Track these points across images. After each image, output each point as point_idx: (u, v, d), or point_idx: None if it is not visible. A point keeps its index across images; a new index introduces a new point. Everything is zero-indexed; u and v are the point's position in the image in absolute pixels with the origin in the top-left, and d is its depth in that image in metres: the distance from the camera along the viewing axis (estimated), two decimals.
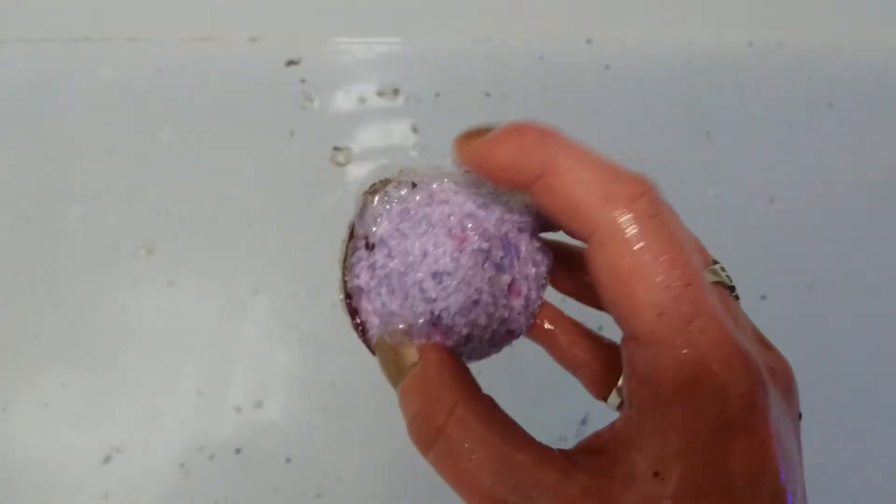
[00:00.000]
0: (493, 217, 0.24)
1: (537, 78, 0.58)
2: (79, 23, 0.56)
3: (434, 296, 0.23)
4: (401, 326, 0.24)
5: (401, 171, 0.26)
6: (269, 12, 0.58)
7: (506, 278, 0.25)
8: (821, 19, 0.62)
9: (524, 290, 0.25)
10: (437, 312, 0.23)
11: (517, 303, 0.25)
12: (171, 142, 0.54)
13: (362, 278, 0.25)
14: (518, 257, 0.25)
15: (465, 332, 0.24)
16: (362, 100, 0.56)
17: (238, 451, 0.48)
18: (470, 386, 0.22)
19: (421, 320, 0.24)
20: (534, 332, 0.29)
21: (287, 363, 0.50)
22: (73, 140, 0.54)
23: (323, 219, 0.53)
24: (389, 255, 0.24)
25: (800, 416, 0.22)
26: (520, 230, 0.25)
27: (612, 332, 0.29)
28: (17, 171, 0.53)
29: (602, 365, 0.28)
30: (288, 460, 0.48)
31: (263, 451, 0.48)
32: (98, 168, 0.53)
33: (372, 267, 0.24)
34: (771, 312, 0.53)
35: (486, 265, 0.24)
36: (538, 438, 0.22)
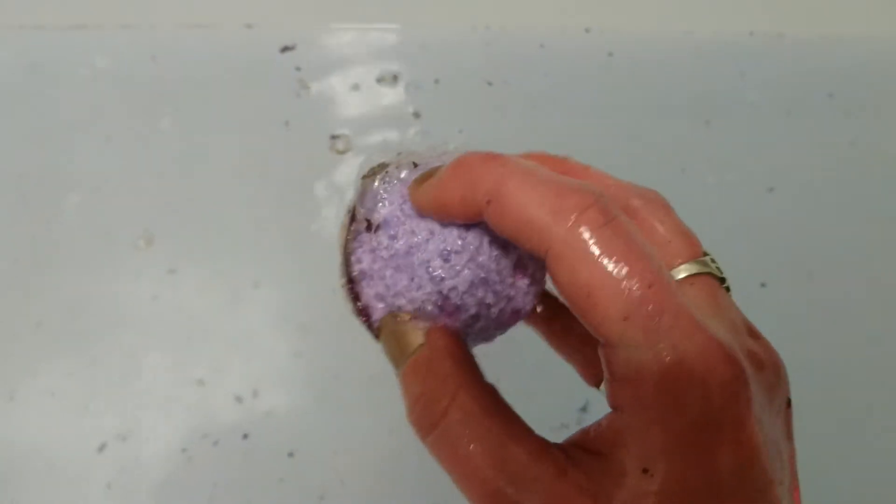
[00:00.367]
0: None
1: (538, 65, 0.58)
2: (71, 9, 0.56)
3: (442, 275, 0.23)
4: (405, 309, 0.24)
5: (399, 154, 0.26)
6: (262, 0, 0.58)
7: (511, 257, 0.25)
8: (822, 9, 0.62)
9: (529, 269, 0.26)
10: (445, 292, 0.23)
11: (522, 282, 0.25)
12: (169, 130, 0.54)
13: (364, 262, 0.24)
14: None
15: (473, 311, 0.24)
16: (361, 86, 0.56)
17: (245, 436, 0.48)
18: (474, 372, 0.23)
19: (427, 301, 0.24)
20: (530, 317, 0.29)
21: (287, 353, 0.50)
22: (69, 128, 0.54)
23: (323, 206, 0.53)
24: (394, 237, 0.24)
25: (789, 404, 0.22)
26: None
27: None
28: (13, 158, 0.53)
29: (595, 351, 0.28)
30: (291, 454, 0.48)
31: (264, 439, 0.48)
32: (95, 157, 0.53)
33: (375, 250, 0.24)
34: (770, 300, 0.53)
35: (493, 243, 0.24)
36: (538, 426, 0.22)
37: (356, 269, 0.25)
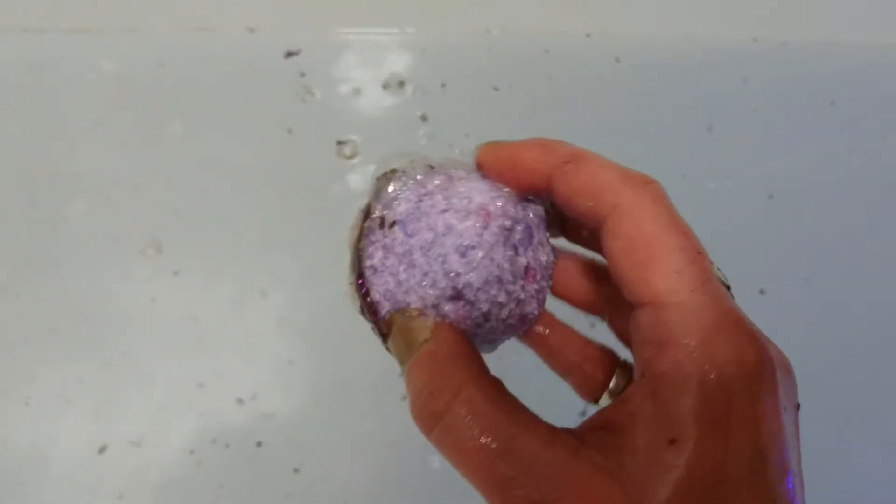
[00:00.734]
0: (512, 201, 0.25)
1: (543, 70, 0.58)
2: (74, 13, 0.56)
3: (458, 270, 0.23)
4: (415, 305, 0.24)
5: (410, 161, 0.26)
6: (267, 2, 0.58)
7: (522, 261, 0.25)
8: (826, 16, 0.62)
9: (537, 276, 0.26)
10: (459, 287, 0.23)
11: (531, 287, 0.26)
12: (177, 136, 0.55)
13: (376, 258, 0.25)
14: (533, 244, 0.26)
15: (484, 308, 0.24)
16: (367, 91, 0.56)
17: (259, 444, 0.48)
18: (479, 366, 0.23)
19: (441, 297, 0.24)
20: (526, 336, 0.29)
21: (290, 358, 0.50)
22: (76, 133, 0.54)
23: (331, 211, 0.53)
24: (409, 233, 0.24)
25: (798, 407, 0.23)
26: (535, 218, 0.26)
27: (604, 336, 0.29)
28: (21, 161, 0.53)
29: (594, 367, 0.28)
30: (296, 470, 0.48)
31: (270, 444, 0.49)
32: (103, 162, 0.54)
33: (388, 246, 0.24)
34: (769, 307, 0.53)
35: (507, 244, 0.24)
36: None
37: (367, 265, 0.25)
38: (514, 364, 0.30)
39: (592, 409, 0.43)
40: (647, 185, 0.22)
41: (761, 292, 0.54)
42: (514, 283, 0.25)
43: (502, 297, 0.24)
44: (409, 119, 0.56)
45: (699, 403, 0.19)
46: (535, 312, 0.27)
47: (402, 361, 0.24)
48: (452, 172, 0.26)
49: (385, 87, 0.56)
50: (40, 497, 0.46)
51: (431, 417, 0.21)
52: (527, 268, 0.25)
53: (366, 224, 0.25)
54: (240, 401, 0.49)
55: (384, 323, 0.25)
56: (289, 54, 0.56)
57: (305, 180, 0.54)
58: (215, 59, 0.56)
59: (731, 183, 0.57)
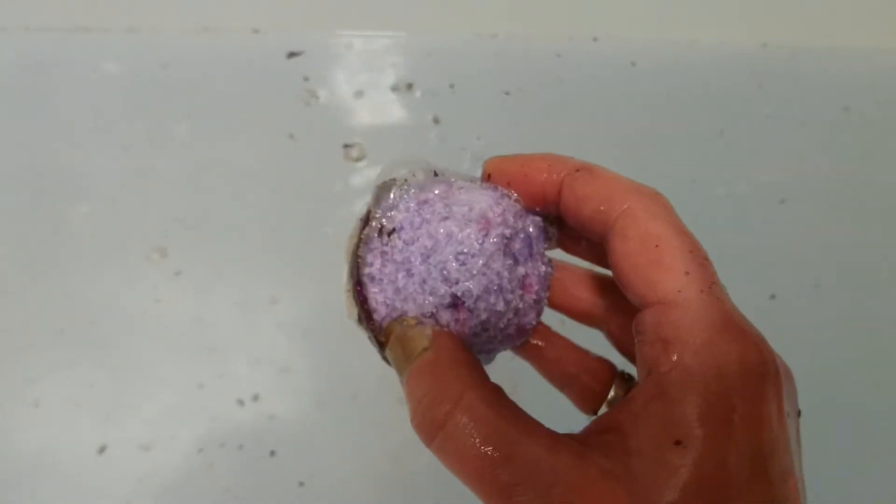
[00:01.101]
0: (511, 211, 0.25)
1: (553, 74, 0.58)
2: (77, 12, 0.56)
3: (458, 277, 0.23)
4: (412, 314, 0.24)
5: (411, 168, 0.26)
6: (271, 4, 0.58)
7: (521, 270, 0.25)
8: (840, 22, 0.62)
9: (535, 286, 0.26)
10: (459, 294, 0.23)
11: (529, 297, 0.26)
12: (181, 138, 0.55)
13: (375, 266, 0.25)
14: (531, 254, 0.26)
15: (483, 316, 0.24)
16: (373, 94, 0.56)
17: (272, 453, 0.48)
18: (479, 373, 0.22)
19: (439, 305, 0.24)
20: (522, 348, 0.29)
21: (295, 362, 0.50)
22: (77, 134, 0.54)
23: (338, 214, 0.53)
24: (408, 241, 0.24)
25: (799, 414, 0.22)
26: (534, 229, 0.26)
27: (599, 346, 0.29)
28: (22, 161, 0.54)
29: (592, 378, 0.28)
30: (301, 484, 0.49)
31: (265, 443, 0.49)
32: (106, 164, 0.54)
33: (387, 254, 0.24)
34: (780, 312, 0.53)
35: (507, 253, 0.24)
36: None
37: (365, 272, 0.25)
38: (521, 369, 0.30)
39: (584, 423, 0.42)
40: (656, 194, 0.23)
41: (772, 297, 0.53)
42: (512, 292, 0.25)
43: (501, 306, 0.24)
44: (420, 122, 0.56)
45: (704, 403, 0.19)
46: (533, 322, 0.27)
47: (400, 370, 0.23)
48: (453, 181, 0.26)
49: (394, 90, 0.56)
50: (48, 500, 0.47)
51: (433, 427, 0.21)
52: (525, 277, 0.25)
53: (365, 232, 0.25)
54: (241, 402, 0.49)
55: (382, 332, 0.25)
56: (291, 55, 0.56)
57: (312, 183, 0.54)
58: (219, 61, 0.56)
59: (742, 188, 0.56)
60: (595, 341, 0.29)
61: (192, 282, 0.51)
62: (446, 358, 0.22)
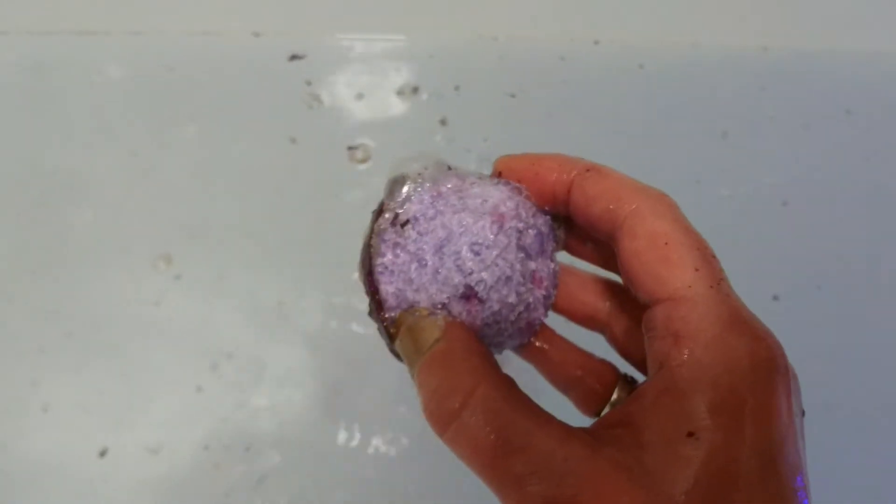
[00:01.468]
0: (524, 207, 0.25)
1: (558, 77, 0.58)
2: (78, 15, 0.56)
3: (472, 268, 0.24)
4: (424, 304, 0.24)
5: (424, 163, 0.26)
6: (273, 8, 0.58)
7: (532, 265, 0.25)
8: (844, 25, 0.62)
9: (545, 282, 0.26)
10: (472, 284, 0.24)
11: (539, 293, 0.26)
12: (186, 141, 0.55)
13: (388, 256, 0.25)
14: (542, 250, 0.26)
15: (495, 307, 0.24)
16: (378, 97, 0.56)
17: (247, 448, 0.49)
18: (492, 365, 0.23)
19: (452, 295, 0.24)
20: (526, 350, 0.29)
21: (298, 362, 0.50)
22: (81, 137, 0.55)
23: (343, 216, 0.53)
24: (422, 232, 0.24)
25: (803, 413, 0.23)
26: (544, 226, 0.26)
27: (599, 351, 0.29)
28: (24, 164, 0.54)
29: (595, 381, 0.28)
30: (308, 486, 0.49)
31: (265, 444, 0.49)
32: (110, 167, 0.54)
33: (400, 245, 0.24)
34: (782, 313, 0.53)
35: (519, 247, 0.24)
36: None
37: (378, 263, 0.25)
38: (519, 371, 0.30)
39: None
40: (663, 195, 0.24)
41: (774, 298, 0.53)
42: (523, 285, 0.25)
43: (513, 298, 0.25)
44: (426, 124, 0.56)
45: (716, 396, 0.19)
46: (542, 319, 0.27)
47: (411, 361, 0.23)
48: (466, 176, 0.26)
49: (399, 93, 0.57)
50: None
51: (446, 417, 0.21)
52: (535, 272, 0.26)
53: (378, 223, 0.25)
54: (246, 406, 0.49)
55: (393, 323, 0.25)
56: (293, 57, 0.56)
57: (316, 186, 0.55)
58: (221, 65, 0.57)
59: (745, 189, 0.57)
60: (595, 345, 0.30)
61: (196, 286, 0.52)
62: (460, 348, 0.23)
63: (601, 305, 0.29)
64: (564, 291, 0.29)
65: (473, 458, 0.21)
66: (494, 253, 0.24)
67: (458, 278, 0.24)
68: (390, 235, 0.25)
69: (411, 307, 0.24)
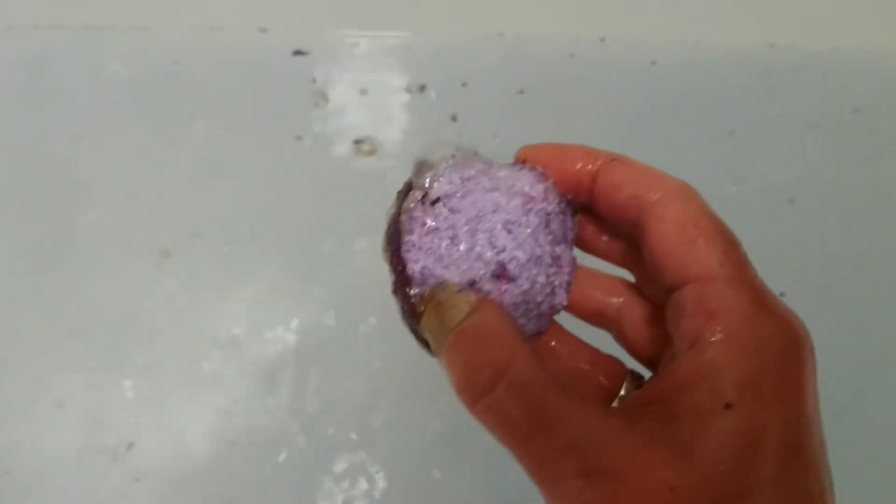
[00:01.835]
0: (551, 191, 0.25)
1: (566, 74, 0.59)
2: (82, 8, 0.57)
3: (504, 244, 0.24)
4: (453, 281, 0.24)
5: (451, 148, 0.26)
6: (279, 5, 0.59)
7: (557, 250, 0.26)
8: (852, 24, 0.62)
9: (566, 268, 0.26)
10: (505, 262, 0.24)
11: (562, 277, 0.26)
12: (190, 139, 0.55)
13: (416, 233, 0.25)
14: (565, 236, 0.26)
15: (525, 286, 0.24)
16: (385, 93, 0.57)
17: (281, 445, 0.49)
18: (526, 340, 0.22)
19: (484, 272, 0.24)
20: (536, 345, 0.29)
21: (307, 358, 0.51)
22: (84, 133, 0.55)
23: (351, 209, 0.54)
24: (454, 209, 0.24)
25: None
26: (567, 214, 0.27)
27: (609, 347, 0.29)
28: (29, 159, 0.54)
29: (604, 375, 0.28)
30: (313, 478, 0.49)
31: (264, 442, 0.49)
32: (116, 164, 0.54)
33: (429, 222, 0.25)
34: None
35: (547, 229, 0.25)
36: None
37: (406, 240, 0.25)
38: None
39: None
40: (687, 185, 0.24)
41: (781, 295, 0.53)
42: (551, 266, 0.25)
43: (542, 279, 0.25)
44: (437, 120, 0.56)
45: (751, 371, 0.20)
46: (564, 304, 0.27)
47: (438, 338, 0.23)
48: (492, 161, 0.26)
49: (407, 90, 0.57)
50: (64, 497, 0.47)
51: (480, 390, 0.21)
52: (559, 257, 0.26)
53: (406, 202, 0.25)
54: (250, 401, 0.49)
55: (421, 299, 0.24)
56: (297, 52, 0.56)
57: (322, 181, 0.55)
58: (229, 61, 0.57)
59: (752, 187, 0.57)
60: (599, 342, 0.30)
61: (202, 283, 0.52)
62: (494, 322, 0.23)
63: (611, 302, 0.29)
64: (574, 286, 0.29)
65: (507, 432, 0.21)
66: (527, 231, 0.24)
67: (490, 255, 0.24)
68: (419, 213, 0.25)
69: (442, 283, 0.24)
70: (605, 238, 0.28)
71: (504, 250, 0.24)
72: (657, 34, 0.60)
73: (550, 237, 0.25)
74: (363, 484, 0.48)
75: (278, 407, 0.49)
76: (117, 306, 0.51)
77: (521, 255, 0.24)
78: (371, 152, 0.55)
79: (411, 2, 0.60)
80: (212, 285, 0.52)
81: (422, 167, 0.26)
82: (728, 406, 0.19)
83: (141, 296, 0.51)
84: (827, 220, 0.56)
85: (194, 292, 0.52)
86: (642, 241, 0.24)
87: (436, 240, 0.24)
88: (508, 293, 0.24)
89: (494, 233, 0.24)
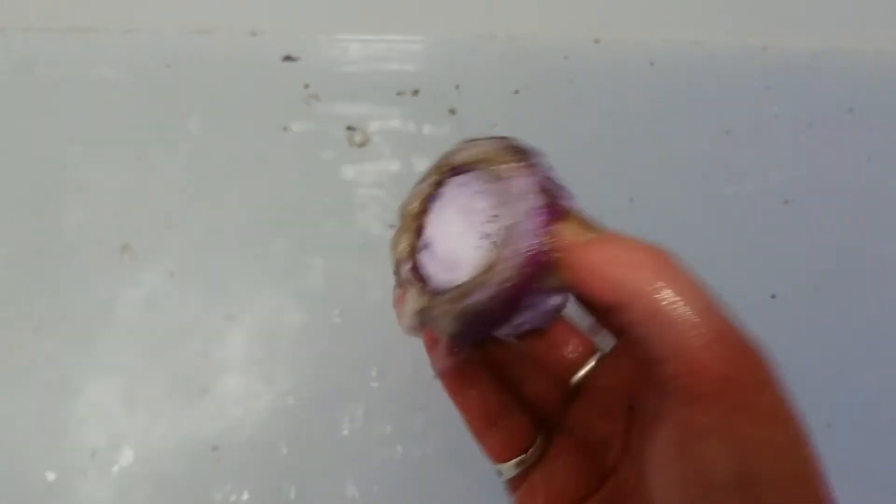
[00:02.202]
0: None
1: (562, 75, 0.59)
2: (73, 12, 0.57)
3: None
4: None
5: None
6: (268, 8, 0.58)
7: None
8: (849, 24, 0.62)
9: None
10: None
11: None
12: (181, 139, 0.55)
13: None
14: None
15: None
16: (376, 95, 0.57)
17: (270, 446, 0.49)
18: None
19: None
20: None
21: (300, 361, 0.50)
22: (74, 135, 0.55)
23: (351, 202, 0.54)
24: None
25: None
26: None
27: None
28: (16, 161, 0.54)
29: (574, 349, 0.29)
30: (299, 482, 0.49)
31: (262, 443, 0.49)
32: (106, 165, 0.54)
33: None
34: (780, 311, 0.54)
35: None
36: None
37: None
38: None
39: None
40: (658, 266, 0.23)
41: (773, 296, 0.54)
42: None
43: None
44: (431, 120, 0.56)
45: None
46: (563, 308, 0.28)
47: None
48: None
49: (399, 93, 0.57)
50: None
51: None
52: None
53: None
54: (240, 403, 0.49)
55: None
56: (286, 58, 0.56)
57: (314, 184, 0.55)
58: (220, 62, 0.57)
59: (747, 187, 0.57)
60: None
61: (190, 283, 0.52)
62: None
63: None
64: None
65: None
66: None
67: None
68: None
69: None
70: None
71: None
72: (653, 35, 0.60)
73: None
74: (352, 489, 0.48)
75: (276, 407, 0.49)
76: (100, 304, 0.51)
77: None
78: (363, 144, 0.55)
79: (405, 6, 0.60)
80: (201, 285, 0.52)
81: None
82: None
83: (125, 295, 0.51)
84: (821, 220, 0.56)
85: (183, 292, 0.51)
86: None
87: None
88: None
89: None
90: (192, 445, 0.48)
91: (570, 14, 0.61)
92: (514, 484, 0.28)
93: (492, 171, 0.26)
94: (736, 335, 0.22)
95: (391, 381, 0.50)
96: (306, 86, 0.56)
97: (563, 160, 0.29)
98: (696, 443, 0.21)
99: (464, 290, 0.25)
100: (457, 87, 0.57)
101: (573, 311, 0.30)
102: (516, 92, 0.57)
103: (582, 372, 0.29)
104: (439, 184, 0.27)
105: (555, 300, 0.26)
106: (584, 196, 0.28)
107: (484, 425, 0.27)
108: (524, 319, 0.26)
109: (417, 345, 0.28)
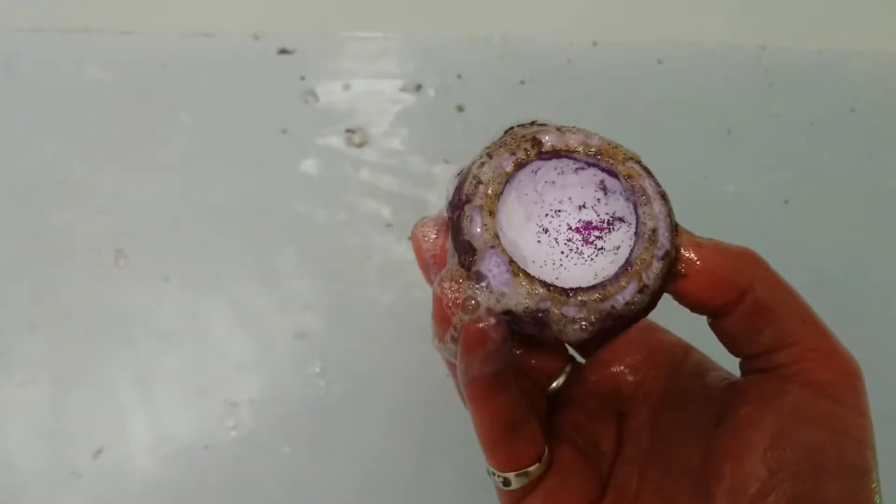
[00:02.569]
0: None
1: (565, 76, 0.58)
2: (70, 12, 0.57)
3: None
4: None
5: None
6: (268, 5, 0.58)
7: None
8: (852, 25, 0.62)
9: None
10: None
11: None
12: (175, 138, 0.55)
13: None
14: None
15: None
16: (379, 91, 0.56)
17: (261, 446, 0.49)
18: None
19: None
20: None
21: (294, 360, 0.50)
22: (68, 134, 0.55)
23: (350, 201, 0.54)
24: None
25: None
26: None
27: None
28: (6, 162, 0.54)
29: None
30: (301, 480, 0.49)
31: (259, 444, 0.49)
32: (102, 166, 0.54)
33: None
34: None
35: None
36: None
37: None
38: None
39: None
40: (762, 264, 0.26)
41: None
42: None
43: None
44: (443, 115, 0.56)
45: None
46: None
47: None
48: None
49: (403, 89, 0.57)
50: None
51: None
52: None
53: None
54: (235, 404, 0.49)
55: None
56: (282, 51, 0.56)
57: (314, 181, 0.54)
58: (218, 65, 0.57)
59: (749, 186, 0.57)
60: None
61: (189, 284, 0.51)
62: None
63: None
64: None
65: None
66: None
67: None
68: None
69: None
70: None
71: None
72: (655, 35, 0.60)
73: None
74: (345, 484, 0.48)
75: (273, 407, 0.49)
76: (95, 307, 0.50)
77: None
78: (362, 144, 0.55)
79: (403, 4, 0.60)
80: (201, 285, 0.51)
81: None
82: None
83: (123, 297, 0.51)
84: (822, 219, 0.56)
85: (175, 292, 0.51)
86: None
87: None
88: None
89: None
90: (191, 446, 0.48)
91: (573, 16, 0.60)
92: (519, 494, 0.27)
93: (609, 164, 0.26)
94: (834, 336, 0.26)
95: (391, 382, 0.50)
96: (302, 78, 0.56)
97: None
98: (807, 427, 0.23)
99: (611, 288, 0.23)
100: (459, 76, 0.57)
101: None
102: (520, 84, 0.57)
103: (560, 380, 0.29)
104: (520, 165, 0.25)
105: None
106: None
107: (505, 432, 0.27)
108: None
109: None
